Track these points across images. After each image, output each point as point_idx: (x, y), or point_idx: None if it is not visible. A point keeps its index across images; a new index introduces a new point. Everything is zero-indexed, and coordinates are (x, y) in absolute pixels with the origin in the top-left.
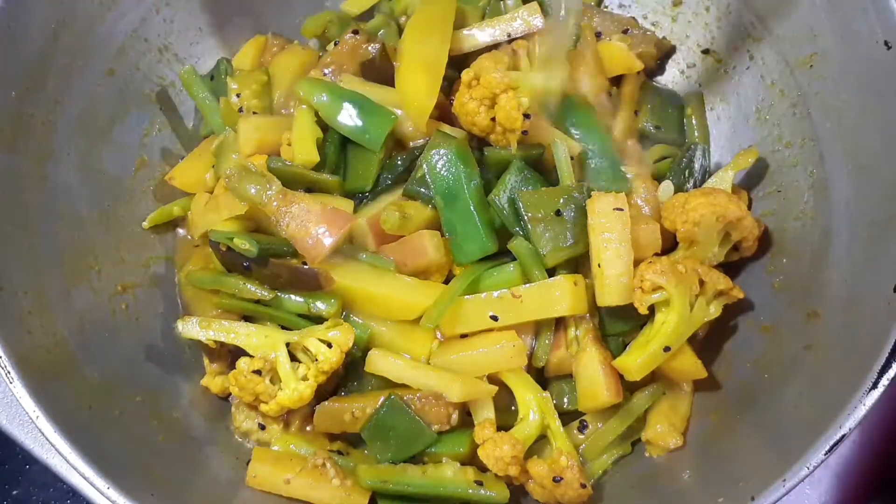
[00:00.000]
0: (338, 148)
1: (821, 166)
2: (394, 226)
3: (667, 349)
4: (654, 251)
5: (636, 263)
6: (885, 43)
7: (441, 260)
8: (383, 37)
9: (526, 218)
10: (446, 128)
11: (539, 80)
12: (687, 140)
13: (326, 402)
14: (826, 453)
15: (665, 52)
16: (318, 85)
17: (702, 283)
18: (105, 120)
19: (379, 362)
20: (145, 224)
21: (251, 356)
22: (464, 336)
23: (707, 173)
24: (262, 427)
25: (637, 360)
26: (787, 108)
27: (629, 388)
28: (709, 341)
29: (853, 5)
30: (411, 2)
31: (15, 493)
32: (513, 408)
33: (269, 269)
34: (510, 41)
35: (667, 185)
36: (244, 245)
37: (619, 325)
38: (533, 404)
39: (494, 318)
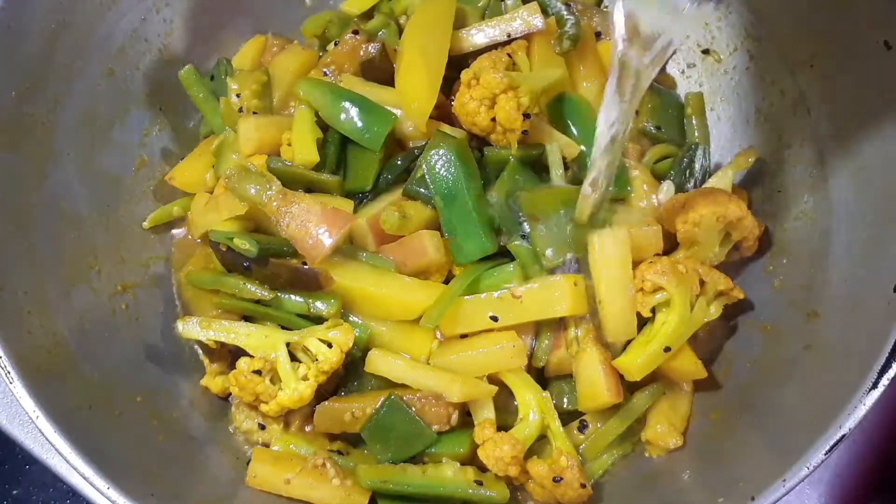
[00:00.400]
0: (338, 148)
1: (821, 166)
2: (394, 226)
3: (667, 349)
4: (654, 252)
5: (636, 265)
6: (885, 43)
7: (441, 260)
8: (383, 37)
9: (525, 218)
10: (446, 128)
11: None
12: (687, 140)
13: (326, 402)
14: (826, 453)
15: None
16: (318, 85)
17: (702, 283)
18: (105, 120)
19: (379, 362)
20: (145, 224)
21: (251, 356)
22: (464, 336)
23: (707, 173)
24: (262, 427)
25: (637, 360)
26: (787, 108)
27: (629, 388)
28: (709, 341)
29: (853, 5)
30: (411, 2)
31: (15, 493)
32: (513, 407)
33: (269, 269)
34: (510, 41)
35: (667, 186)
36: (244, 245)
37: None
38: (533, 404)
39: (494, 319)
